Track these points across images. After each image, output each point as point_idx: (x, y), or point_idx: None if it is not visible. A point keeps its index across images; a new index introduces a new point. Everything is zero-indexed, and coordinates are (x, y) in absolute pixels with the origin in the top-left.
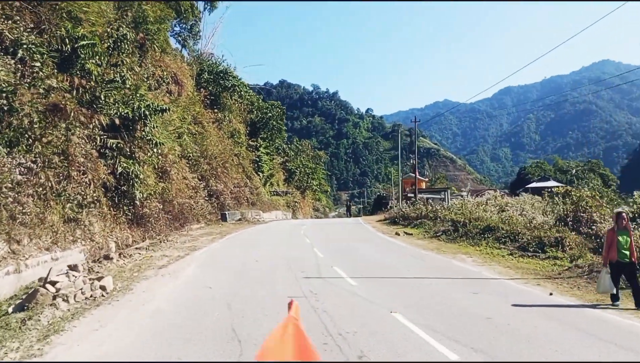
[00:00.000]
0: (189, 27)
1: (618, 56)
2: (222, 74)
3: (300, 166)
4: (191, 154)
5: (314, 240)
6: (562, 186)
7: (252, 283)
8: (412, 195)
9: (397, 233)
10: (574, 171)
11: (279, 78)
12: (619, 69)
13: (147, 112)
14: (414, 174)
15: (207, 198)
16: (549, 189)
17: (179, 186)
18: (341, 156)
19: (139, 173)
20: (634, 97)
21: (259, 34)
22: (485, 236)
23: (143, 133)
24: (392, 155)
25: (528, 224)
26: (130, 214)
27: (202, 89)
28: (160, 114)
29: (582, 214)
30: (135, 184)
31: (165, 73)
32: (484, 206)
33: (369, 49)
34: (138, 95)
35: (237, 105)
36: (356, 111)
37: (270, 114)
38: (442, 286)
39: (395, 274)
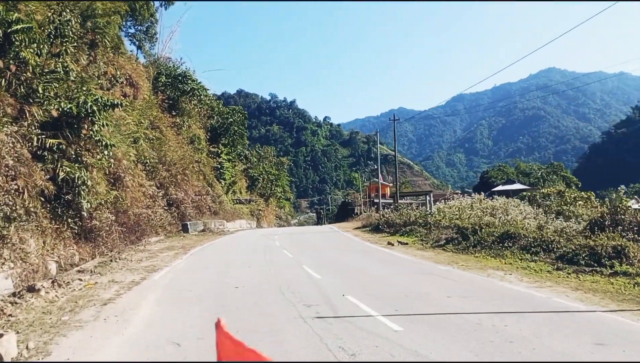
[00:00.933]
0: (144, 29)
1: (563, 63)
2: (180, 78)
3: (263, 172)
4: (148, 161)
5: (296, 253)
6: (553, 188)
7: (242, 331)
8: (390, 200)
9: (390, 243)
10: (539, 173)
11: (237, 88)
12: (565, 76)
13: (95, 108)
14: (377, 180)
15: (166, 208)
16: (521, 192)
17: (135, 195)
18: (300, 164)
19: (86, 179)
20: (579, 103)
21: (216, 42)
22: (505, 245)
23: (91, 132)
24: (350, 162)
25: (549, 230)
26: (76, 227)
27: (159, 93)
28: (111, 110)
29: (622, 216)
30: (82, 193)
31: (119, 73)
32: (469, 209)
33: (327, 59)
34: (84, 89)
35: (196, 110)
36: (314, 119)
37: (232, 120)
38: (529, 328)
39: (437, 306)
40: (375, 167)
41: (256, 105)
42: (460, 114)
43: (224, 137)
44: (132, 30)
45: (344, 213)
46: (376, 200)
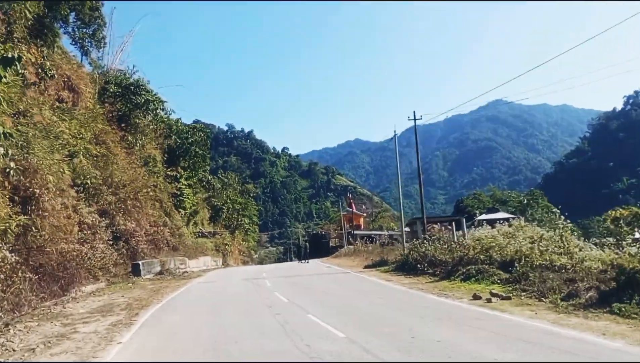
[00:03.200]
0: (91, 32)
1: (510, 96)
2: (132, 88)
3: (228, 201)
4: (89, 180)
5: (348, 330)
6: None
7: None
8: (367, 232)
9: (476, 296)
10: (520, 200)
11: (193, 118)
12: (512, 108)
13: None
14: (350, 209)
15: (111, 242)
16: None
17: (60, 223)
18: (259, 196)
19: None
20: (528, 135)
21: (171, 67)
22: None
23: None
24: (310, 193)
25: None
26: None
27: (107, 105)
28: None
29: None
30: None
31: (48, 63)
32: (512, 236)
33: (285, 89)
34: None
35: (152, 127)
36: (272, 150)
37: (192, 140)
38: None
39: None
40: (350, 197)
41: (213, 135)
42: (414, 146)
43: (184, 159)
44: (72, 30)
45: (316, 247)
46: (356, 232)
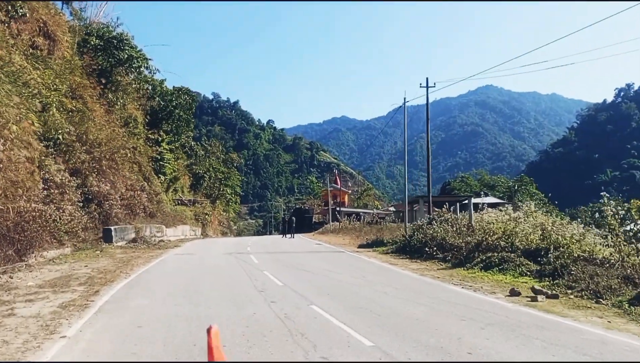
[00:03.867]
0: None
1: (500, 82)
2: (115, 42)
3: (211, 169)
4: (61, 136)
5: (376, 336)
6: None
7: None
8: (353, 209)
9: (514, 292)
10: (509, 186)
11: (178, 84)
12: (502, 94)
13: None
14: (337, 185)
15: (81, 204)
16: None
17: (19, 178)
18: (241, 168)
19: None
20: (515, 122)
21: (158, 30)
22: None
23: None
24: (293, 168)
25: None
26: None
27: (86, 57)
28: None
29: None
30: None
31: (20, 2)
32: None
33: (273, 61)
34: None
35: (134, 85)
36: (257, 122)
37: (177, 103)
38: None
39: None
40: (337, 173)
41: (198, 104)
42: (401, 126)
43: (167, 122)
44: None
45: (299, 222)
46: (342, 209)
